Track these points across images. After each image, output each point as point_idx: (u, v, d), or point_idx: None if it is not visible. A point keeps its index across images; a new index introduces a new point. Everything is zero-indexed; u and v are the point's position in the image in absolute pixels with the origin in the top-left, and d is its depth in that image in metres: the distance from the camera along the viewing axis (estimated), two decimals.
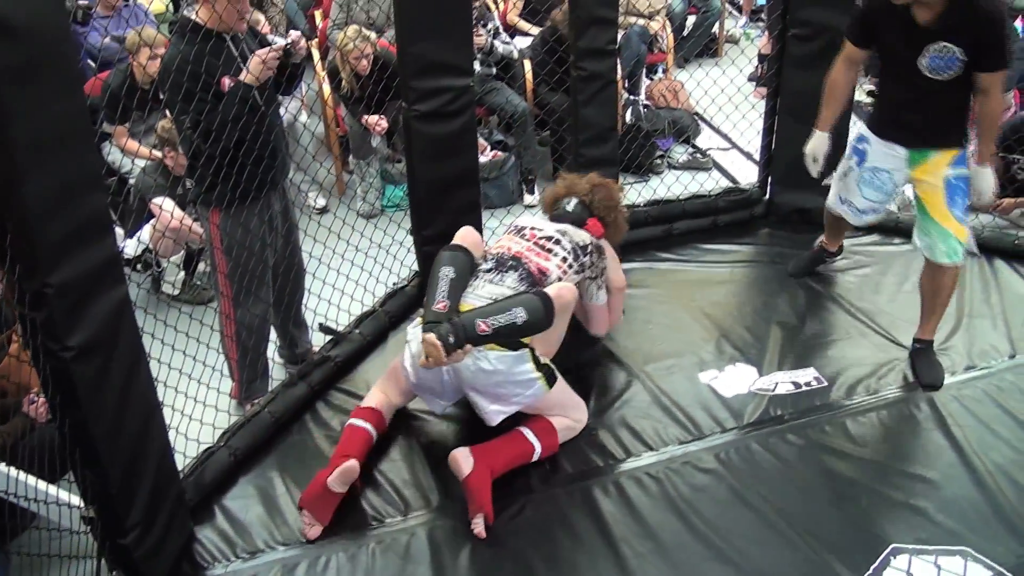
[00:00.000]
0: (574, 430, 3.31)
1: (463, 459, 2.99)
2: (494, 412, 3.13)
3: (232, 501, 3.16)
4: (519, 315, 2.98)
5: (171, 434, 2.92)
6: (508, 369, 3.06)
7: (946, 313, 3.67)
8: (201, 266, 4.98)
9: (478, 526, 2.96)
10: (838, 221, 4.03)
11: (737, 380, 3.62)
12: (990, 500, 3.02)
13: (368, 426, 3.24)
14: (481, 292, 3.18)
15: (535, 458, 3.16)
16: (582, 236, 3.40)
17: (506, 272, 3.23)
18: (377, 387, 3.39)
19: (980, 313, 3.94)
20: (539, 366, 3.13)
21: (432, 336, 2.91)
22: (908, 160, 3.54)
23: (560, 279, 3.24)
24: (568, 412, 3.30)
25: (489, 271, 3.26)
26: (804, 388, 3.56)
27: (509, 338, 3.03)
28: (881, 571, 2.80)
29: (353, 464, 3.04)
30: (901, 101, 3.47)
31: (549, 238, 3.35)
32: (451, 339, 2.91)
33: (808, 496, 3.07)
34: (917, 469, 3.16)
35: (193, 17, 3.43)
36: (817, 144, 3.74)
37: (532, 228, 3.42)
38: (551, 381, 3.17)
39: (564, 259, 3.30)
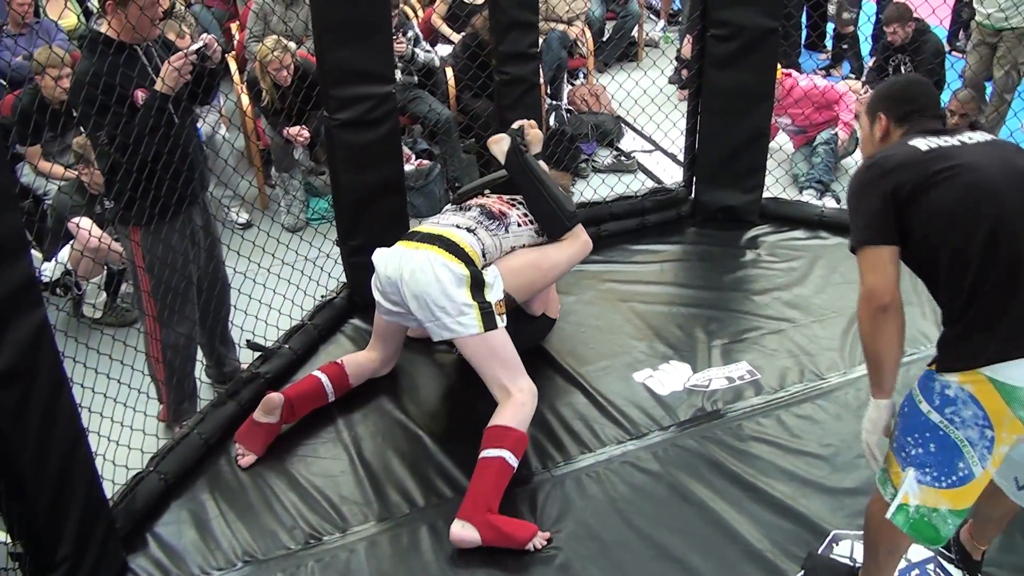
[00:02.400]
0: (527, 405, 3.10)
1: (462, 532, 2.87)
2: (432, 328, 3.15)
3: (164, 527, 3.07)
4: (558, 190, 3.51)
5: (98, 461, 2.82)
6: (445, 282, 3.08)
7: None
8: (124, 287, 4.85)
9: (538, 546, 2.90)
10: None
11: (672, 378, 3.63)
12: None
13: (321, 375, 3.46)
14: (443, 220, 3.38)
15: (514, 463, 2.98)
16: None
17: (469, 209, 3.45)
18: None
19: (908, 301, 3.94)
20: (478, 299, 3.10)
21: (504, 135, 3.55)
22: None
23: (519, 225, 3.45)
24: (509, 378, 3.12)
25: (452, 209, 3.53)
26: (738, 382, 3.59)
27: (541, 192, 3.45)
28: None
29: (274, 396, 3.30)
30: None
31: (513, 199, 3.58)
32: (519, 140, 3.53)
33: (748, 490, 3.08)
34: (853, 456, 3.20)
35: (103, 30, 3.34)
36: None
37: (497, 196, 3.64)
38: (488, 324, 3.11)
39: (525, 215, 3.52)
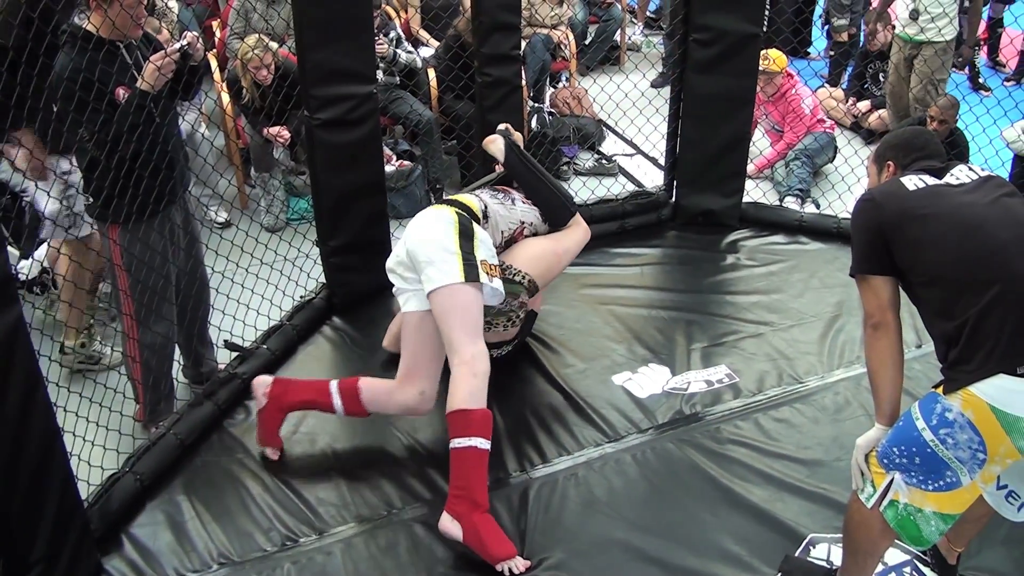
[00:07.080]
0: (477, 376, 2.88)
1: (450, 526, 2.84)
2: (427, 281, 2.97)
3: (140, 529, 3.04)
4: (553, 180, 3.66)
5: (73, 461, 2.80)
6: (433, 226, 3.06)
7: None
8: (102, 286, 4.81)
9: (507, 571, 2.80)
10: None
11: (651, 381, 3.64)
12: None
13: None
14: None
15: (486, 445, 2.85)
16: None
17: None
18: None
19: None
20: (464, 248, 2.97)
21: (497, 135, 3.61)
22: None
23: (524, 202, 3.53)
24: (459, 340, 2.91)
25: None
26: (716, 385, 3.60)
27: (543, 182, 3.58)
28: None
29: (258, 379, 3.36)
30: None
31: (512, 187, 3.66)
32: (510, 136, 3.60)
33: (725, 493, 3.09)
34: (831, 460, 3.22)
35: (84, 26, 3.31)
36: None
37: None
38: (470, 275, 2.94)
39: (526, 198, 3.58)
